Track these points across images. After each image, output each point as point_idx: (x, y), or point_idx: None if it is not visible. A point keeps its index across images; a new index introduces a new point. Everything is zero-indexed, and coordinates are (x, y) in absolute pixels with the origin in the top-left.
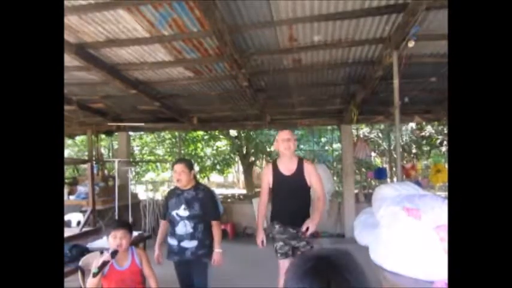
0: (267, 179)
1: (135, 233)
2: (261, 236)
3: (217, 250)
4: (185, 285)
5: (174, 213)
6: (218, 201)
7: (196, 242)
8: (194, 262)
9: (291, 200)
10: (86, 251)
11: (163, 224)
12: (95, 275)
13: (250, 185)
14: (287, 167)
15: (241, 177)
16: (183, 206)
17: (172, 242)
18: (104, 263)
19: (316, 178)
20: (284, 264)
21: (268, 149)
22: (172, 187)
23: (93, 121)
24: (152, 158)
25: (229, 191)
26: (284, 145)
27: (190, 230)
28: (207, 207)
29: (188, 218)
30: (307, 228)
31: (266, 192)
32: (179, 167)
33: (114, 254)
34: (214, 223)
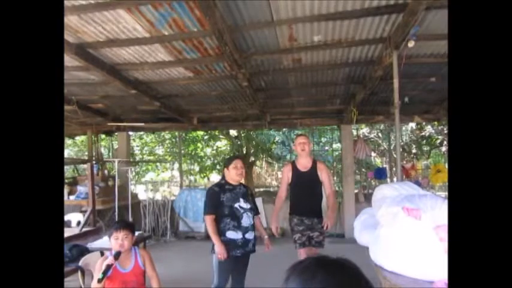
0: (286, 175)
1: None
2: (275, 225)
3: (266, 237)
4: (227, 279)
5: (236, 205)
6: None
7: (253, 234)
8: (249, 254)
9: (306, 193)
10: (86, 251)
11: (212, 219)
12: (100, 280)
13: (250, 185)
14: (303, 165)
15: None
16: (242, 199)
17: (237, 235)
18: (108, 267)
19: (326, 175)
20: (301, 252)
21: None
22: (173, 186)
23: (93, 121)
24: (152, 158)
25: None
26: (300, 147)
27: (252, 222)
28: (254, 202)
29: (249, 210)
30: (327, 226)
31: (285, 188)
32: (242, 163)
33: (117, 255)
34: (258, 217)
